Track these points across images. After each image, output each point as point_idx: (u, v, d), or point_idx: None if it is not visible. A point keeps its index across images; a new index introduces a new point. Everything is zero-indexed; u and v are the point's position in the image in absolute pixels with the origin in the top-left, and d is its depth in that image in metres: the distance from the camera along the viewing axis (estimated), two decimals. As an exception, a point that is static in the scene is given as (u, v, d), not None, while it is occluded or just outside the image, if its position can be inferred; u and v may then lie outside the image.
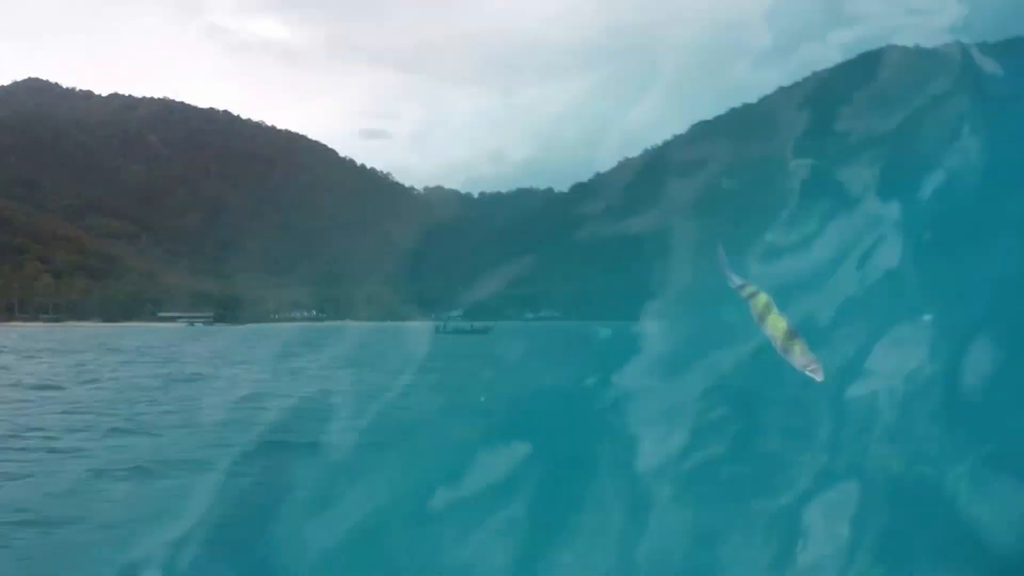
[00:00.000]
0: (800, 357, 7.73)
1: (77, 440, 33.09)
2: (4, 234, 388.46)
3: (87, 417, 40.06)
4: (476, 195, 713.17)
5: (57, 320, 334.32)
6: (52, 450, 30.91)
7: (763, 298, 8.34)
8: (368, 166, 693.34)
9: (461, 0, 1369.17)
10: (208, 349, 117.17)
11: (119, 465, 26.60)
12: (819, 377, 7.73)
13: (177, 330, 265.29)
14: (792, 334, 7.89)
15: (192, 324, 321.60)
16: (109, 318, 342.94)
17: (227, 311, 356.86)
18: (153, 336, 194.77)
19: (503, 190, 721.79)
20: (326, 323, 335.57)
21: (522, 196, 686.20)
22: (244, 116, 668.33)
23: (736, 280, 8.75)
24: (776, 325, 8.00)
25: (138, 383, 59.65)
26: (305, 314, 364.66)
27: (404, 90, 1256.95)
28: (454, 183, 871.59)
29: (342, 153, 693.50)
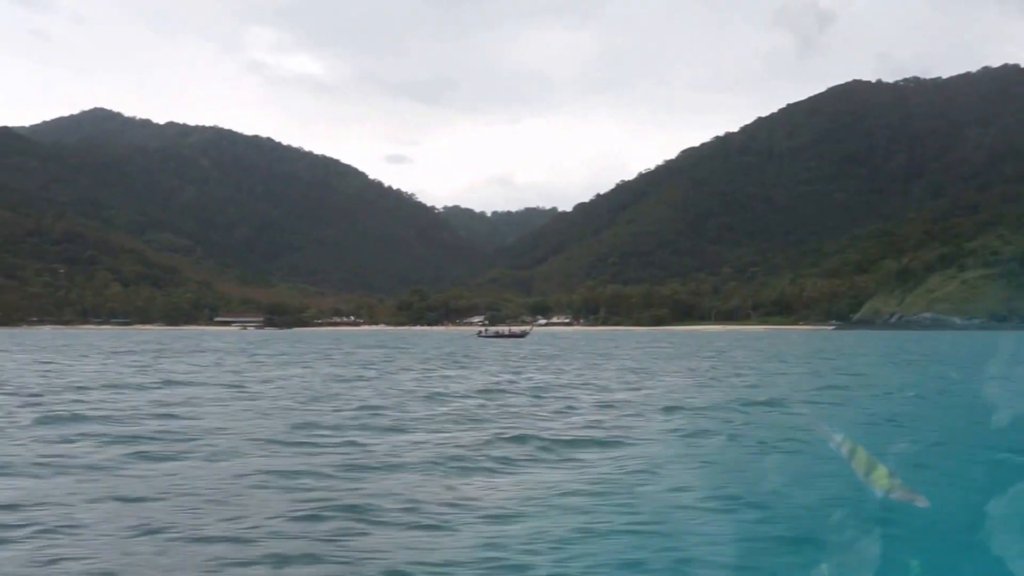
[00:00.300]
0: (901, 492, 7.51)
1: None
2: (77, 248, 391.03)
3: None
4: (489, 213, 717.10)
5: (126, 324, 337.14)
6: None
7: (863, 454, 7.95)
8: (394, 187, 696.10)
9: (474, 39, 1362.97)
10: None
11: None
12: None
13: (243, 333, 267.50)
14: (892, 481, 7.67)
15: (245, 328, 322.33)
16: (171, 322, 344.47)
17: (274, 316, 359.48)
18: (236, 337, 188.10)
19: (512, 209, 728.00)
20: (362, 327, 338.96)
21: (530, 215, 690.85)
22: (285, 143, 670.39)
23: (836, 438, 8.13)
24: (879, 478, 7.61)
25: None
26: (344, 319, 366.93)
27: (424, 120, 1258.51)
28: (469, 203, 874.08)
29: (371, 176, 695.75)
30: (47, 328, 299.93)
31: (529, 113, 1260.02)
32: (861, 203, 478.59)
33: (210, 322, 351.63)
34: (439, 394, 44.35)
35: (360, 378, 55.75)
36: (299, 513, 17.23)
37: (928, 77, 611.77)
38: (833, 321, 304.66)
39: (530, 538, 15.91)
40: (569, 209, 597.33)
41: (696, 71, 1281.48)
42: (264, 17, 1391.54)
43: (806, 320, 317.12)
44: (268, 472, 21.16)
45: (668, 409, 35.80)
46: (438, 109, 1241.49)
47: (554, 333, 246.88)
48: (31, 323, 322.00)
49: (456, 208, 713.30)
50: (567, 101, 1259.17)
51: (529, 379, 54.90)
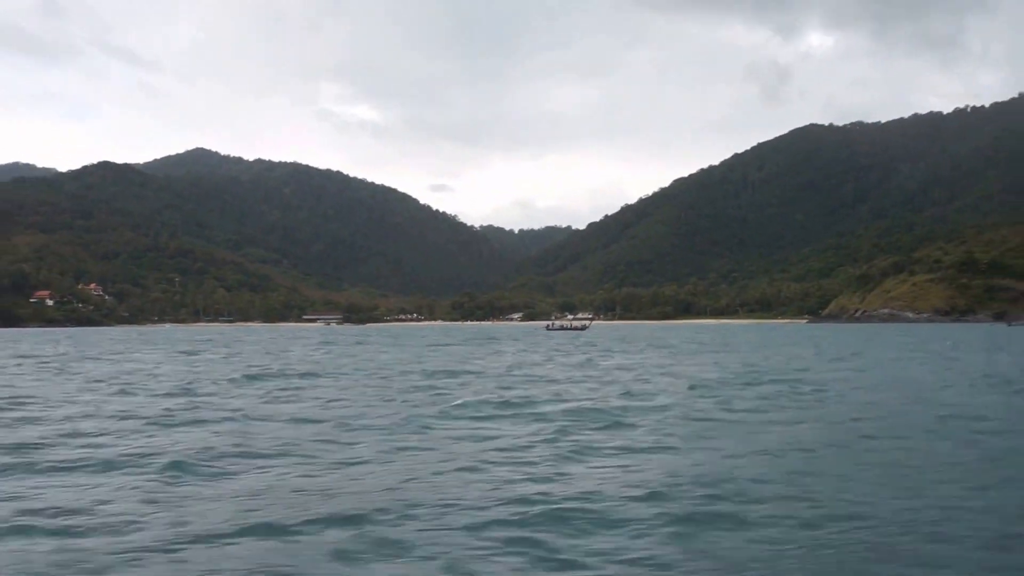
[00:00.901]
0: None
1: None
2: (188, 261, 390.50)
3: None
4: (516, 231, 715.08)
5: (231, 322, 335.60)
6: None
7: None
8: (440, 210, 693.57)
9: (503, 91, 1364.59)
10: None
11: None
12: None
13: (320, 328, 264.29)
14: None
15: (328, 324, 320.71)
16: (268, 320, 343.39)
17: (350, 314, 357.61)
18: (315, 331, 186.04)
19: (535, 227, 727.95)
20: (424, 323, 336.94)
21: (550, 232, 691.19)
22: (351, 175, 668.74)
23: None
24: None
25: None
26: (408, 316, 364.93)
27: (462, 155, 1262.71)
28: (500, 222, 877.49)
29: (421, 201, 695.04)
30: (167, 325, 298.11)
31: (547, 150, 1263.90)
32: (818, 222, 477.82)
33: (299, 319, 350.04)
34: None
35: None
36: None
37: (869, 121, 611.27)
38: (806, 316, 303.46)
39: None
40: (583, 227, 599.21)
41: (683, 116, 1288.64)
42: (331, 75, 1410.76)
43: (783, 315, 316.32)
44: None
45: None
46: (473, 148, 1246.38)
47: (610, 326, 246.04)
48: (153, 322, 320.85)
49: (490, 226, 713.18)
50: (578, 140, 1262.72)
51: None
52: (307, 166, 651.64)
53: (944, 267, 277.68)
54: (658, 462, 16.95)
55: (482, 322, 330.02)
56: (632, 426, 22.21)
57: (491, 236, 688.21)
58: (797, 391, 32.30)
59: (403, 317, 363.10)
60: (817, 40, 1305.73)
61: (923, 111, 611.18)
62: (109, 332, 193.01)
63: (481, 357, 62.41)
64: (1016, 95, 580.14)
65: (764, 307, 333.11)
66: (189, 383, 36.75)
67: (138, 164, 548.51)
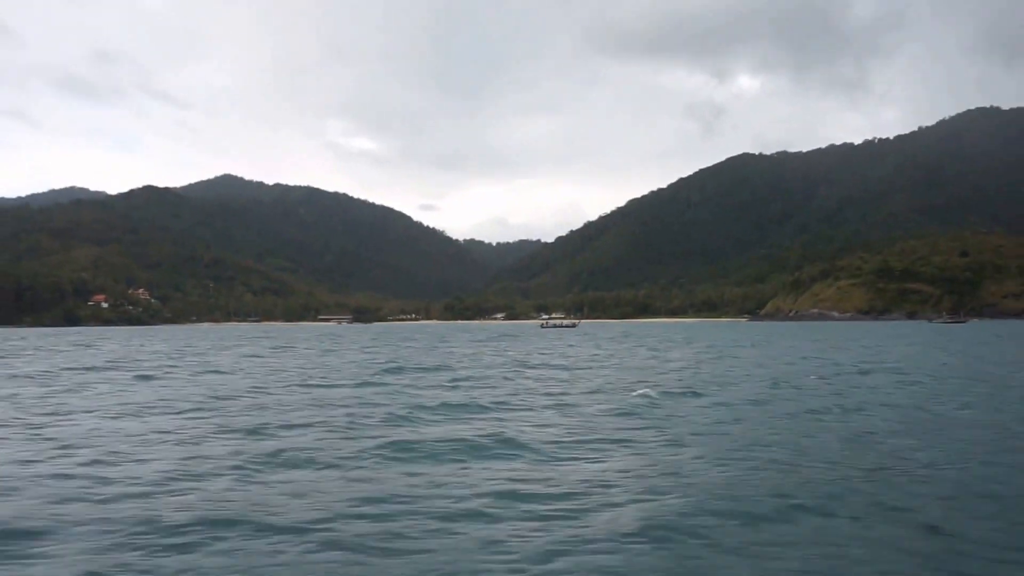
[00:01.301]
0: None
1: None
2: (220, 269, 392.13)
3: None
4: (494, 244, 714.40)
5: (257, 321, 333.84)
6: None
7: None
8: (429, 226, 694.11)
9: (480, 126, 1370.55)
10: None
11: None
12: None
13: (334, 326, 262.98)
14: None
15: (340, 323, 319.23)
16: (289, 319, 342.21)
17: (359, 315, 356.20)
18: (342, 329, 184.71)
19: (510, 240, 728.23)
20: (421, 322, 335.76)
21: (522, 245, 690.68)
22: (355, 196, 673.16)
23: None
24: None
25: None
26: (408, 316, 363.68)
27: (446, 180, 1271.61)
28: (480, 236, 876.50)
29: (414, 219, 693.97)
30: (205, 325, 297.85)
31: (518, 175, 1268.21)
32: (751, 236, 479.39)
33: (315, 319, 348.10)
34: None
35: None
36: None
37: (792, 151, 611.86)
38: (746, 315, 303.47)
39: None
40: (551, 240, 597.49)
41: (633, 146, 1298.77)
42: (337, 113, 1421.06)
43: (726, 314, 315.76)
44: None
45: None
46: (455, 173, 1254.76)
47: (594, 324, 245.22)
48: (191, 321, 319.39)
49: (471, 240, 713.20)
50: (544, 167, 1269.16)
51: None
52: (318, 189, 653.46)
53: (864, 273, 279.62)
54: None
55: (471, 321, 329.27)
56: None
57: (473, 248, 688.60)
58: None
59: (403, 317, 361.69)
60: (746, 83, 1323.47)
61: (837, 142, 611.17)
62: (172, 330, 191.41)
63: (609, 350, 61.11)
64: (916, 128, 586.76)
65: (710, 308, 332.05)
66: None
67: (176, 188, 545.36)
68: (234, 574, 8.40)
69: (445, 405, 22.74)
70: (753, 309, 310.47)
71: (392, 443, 15.91)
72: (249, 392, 27.77)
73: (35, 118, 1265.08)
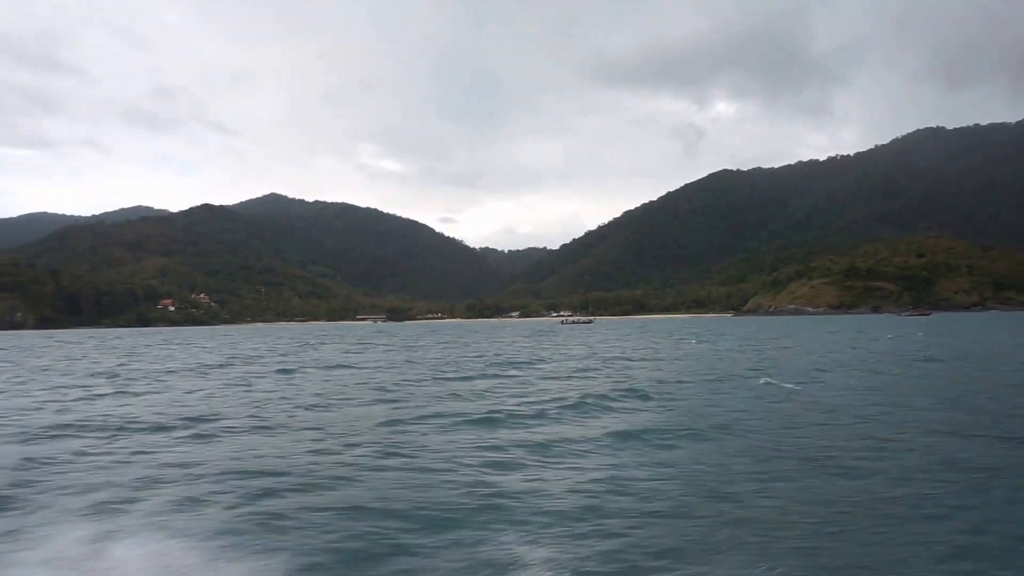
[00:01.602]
0: None
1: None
2: (270, 276, 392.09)
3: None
4: (506, 251, 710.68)
5: (303, 321, 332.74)
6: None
7: None
8: (449, 236, 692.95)
9: (493, 148, 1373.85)
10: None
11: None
12: None
13: (371, 325, 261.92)
14: None
15: (375, 322, 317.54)
16: (330, 319, 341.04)
17: (392, 314, 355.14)
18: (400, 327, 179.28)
19: (520, 248, 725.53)
20: (447, 320, 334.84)
21: (531, 252, 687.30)
22: (385, 211, 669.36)
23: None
24: None
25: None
26: (435, 315, 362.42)
27: (462, 196, 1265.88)
28: (494, 244, 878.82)
29: (436, 230, 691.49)
30: (259, 324, 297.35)
31: (525, 191, 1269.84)
32: (731, 242, 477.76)
33: (354, 319, 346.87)
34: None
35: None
36: None
37: (765, 167, 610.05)
38: (731, 311, 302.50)
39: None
40: (556, 247, 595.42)
41: (627, 164, 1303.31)
42: (367, 138, 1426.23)
43: (713, 311, 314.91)
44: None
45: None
46: (471, 190, 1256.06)
47: (609, 321, 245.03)
48: (247, 321, 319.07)
49: (486, 248, 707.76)
50: (548, 183, 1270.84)
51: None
52: (352, 205, 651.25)
53: (834, 273, 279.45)
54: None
55: (490, 319, 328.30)
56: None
57: (487, 255, 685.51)
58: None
59: (431, 316, 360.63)
60: (723, 108, 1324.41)
61: (804, 159, 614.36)
62: (236, 330, 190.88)
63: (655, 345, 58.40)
64: (873, 147, 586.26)
65: (699, 305, 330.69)
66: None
67: (229, 205, 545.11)
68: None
69: (632, 391, 21.85)
70: (737, 305, 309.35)
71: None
72: (421, 382, 27.16)
73: (105, 146, 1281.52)
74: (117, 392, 25.26)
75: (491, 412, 17.83)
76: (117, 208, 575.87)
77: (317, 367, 36.28)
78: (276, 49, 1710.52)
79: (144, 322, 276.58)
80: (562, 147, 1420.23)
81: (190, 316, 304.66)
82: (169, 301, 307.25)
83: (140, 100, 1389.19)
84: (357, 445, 13.96)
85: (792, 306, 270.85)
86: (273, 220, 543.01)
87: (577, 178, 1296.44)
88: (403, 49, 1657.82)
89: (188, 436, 15.44)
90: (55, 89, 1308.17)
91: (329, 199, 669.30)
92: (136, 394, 24.41)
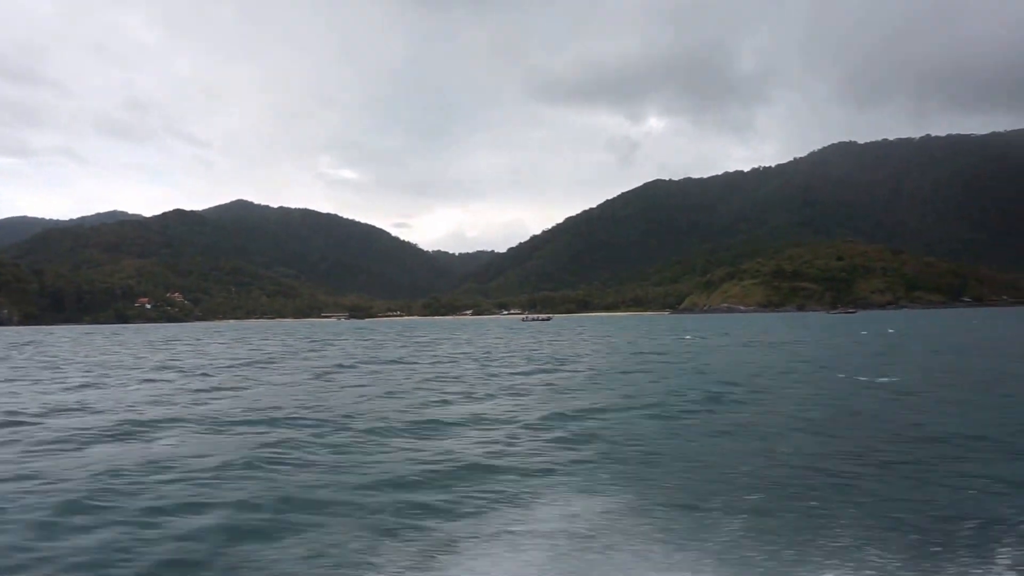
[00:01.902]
0: None
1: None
2: (239, 276, 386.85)
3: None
4: (456, 254, 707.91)
5: (272, 318, 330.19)
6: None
7: None
8: (404, 240, 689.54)
9: (444, 159, 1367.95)
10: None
11: None
12: None
13: (336, 322, 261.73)
14: None
15: (339, 319, 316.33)
16: (297, 316, 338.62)
17: (355, 312, 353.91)
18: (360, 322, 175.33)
19: (469, 251, 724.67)
20: (407, 318, 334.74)
21: (479, 255, 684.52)
22: (345, 216, 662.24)
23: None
24: None
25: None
26: (394, 313, 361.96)
27: (415, 203, 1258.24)
28: (445, 247, 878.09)
29: (393, 233, 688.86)
30: (231, 321, 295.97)
31: (473, 199, 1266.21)
32: (664, 245, 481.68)
33: (318, 316, 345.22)
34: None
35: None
36: None
37: (695, 177, 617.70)
38: (668, 309, 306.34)
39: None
40: (503, 251, 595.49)
41: (566, 175, 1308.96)
42: (327, 149, 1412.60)
43: (651, 309, 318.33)
44: None
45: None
46: (424, 198, 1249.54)
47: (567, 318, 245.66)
48: (219, 319, 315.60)
49: (438, 251, 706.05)
50: (494, 192, 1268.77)
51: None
52: (314, 211, 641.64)
53: (763, 274, 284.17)
54: None
55: (446, 316, 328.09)
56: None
57: (439, 257, 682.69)
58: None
59: (391, 314, 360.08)
60: (655, 123, 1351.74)
61: (730, 170, 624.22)
62: (216, 326, 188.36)
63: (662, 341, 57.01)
64: (792, 159, 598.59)
65: (638, 303, 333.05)
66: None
67: (199, 210, 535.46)
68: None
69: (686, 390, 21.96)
70: (673, 304, 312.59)
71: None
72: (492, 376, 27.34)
73: (82, 155, 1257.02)
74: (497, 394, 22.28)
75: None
76: (93, 213, 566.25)
77: (369, 369, 35.26)
78: (243, 66, 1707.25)
79: (123, 319, 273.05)
80: (507, 158, 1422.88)
81: (165, 314, 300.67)
82: (146, 300, 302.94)
83: (114, 112, 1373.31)
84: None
85: (725, 305, 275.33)
86: (240, 224, 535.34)
87: (521, 187, 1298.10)
88: (360, 67, 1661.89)
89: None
90: (34, 101, 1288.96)
91: (292, 205, 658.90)
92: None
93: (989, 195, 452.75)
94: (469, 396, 21.22)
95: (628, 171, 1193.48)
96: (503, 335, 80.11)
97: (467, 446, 13.51)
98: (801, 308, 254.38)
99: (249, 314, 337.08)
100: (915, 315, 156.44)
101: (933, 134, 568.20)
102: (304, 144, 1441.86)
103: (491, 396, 21.14)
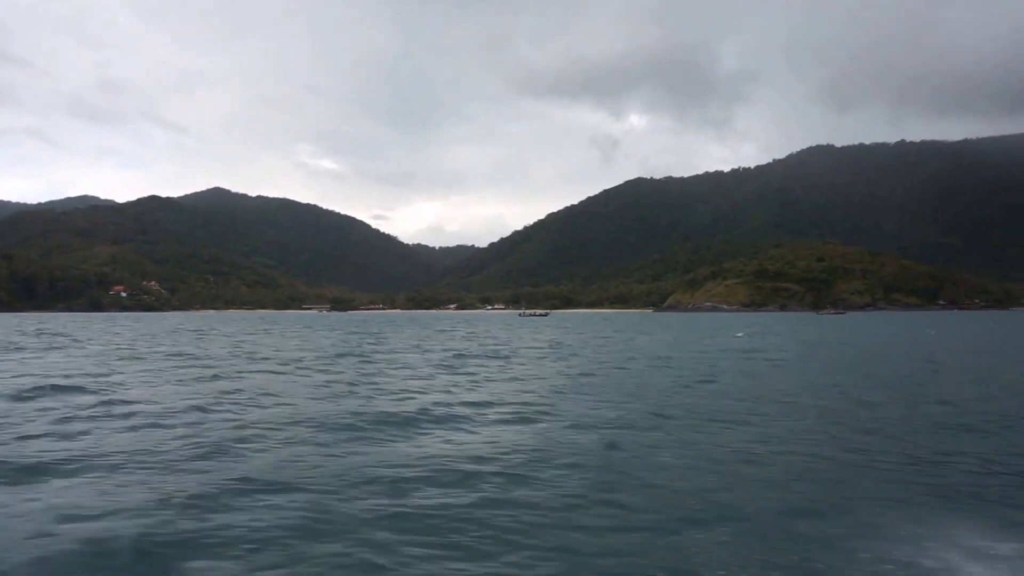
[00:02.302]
0: None
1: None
2: (218, 265, 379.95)
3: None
4: (437, 247, 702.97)
5: (252, 308, 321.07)
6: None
7: None
8: (385, 232, 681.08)
9: (425, 151, 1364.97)
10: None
11: None
12: None
13: (315, 314, 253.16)
14: None
15: (320, 312, 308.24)
16: (278, 308, 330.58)
17: (336, 305, 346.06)
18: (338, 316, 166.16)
19: (450, 245, 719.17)
20: (391, 311, 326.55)
21: (460, 249, 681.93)
22: (324, 207, 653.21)
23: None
24: None
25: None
26: (376, 306, 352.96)
27: (396, 195, 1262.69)
28: (426, 241, 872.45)
29: (373, 226, 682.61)
30: (210, 312, 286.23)
31: (453, 193, 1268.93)
32: (646, 243, 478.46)
33: (299, 308, 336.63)
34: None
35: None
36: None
37: (676, 176, 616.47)
38: (651, 307, 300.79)
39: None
40: (485, 246, 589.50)
41: (549, 170, 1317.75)
42: (305, 139, 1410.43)
43: (635, 306, 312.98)
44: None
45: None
46: (402, 190, 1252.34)
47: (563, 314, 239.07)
48: (196, 309, 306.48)
49: (418, 244, 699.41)
50: (475, 186, 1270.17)
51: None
52: (293, 200, 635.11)
53: (746, 274, 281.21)
54: None
55: (430, 310, 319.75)
56: None
57: (419, 251, 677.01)
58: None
59: (373, 307, 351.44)
60: (637, 120, 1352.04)
61: (711, 170, 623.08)
62: (188, 316, 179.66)
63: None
64: (771, 160, 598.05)
65: (621, 300, 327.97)
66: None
67: (175, 197, 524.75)
68: None
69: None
70: (657, 302, 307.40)
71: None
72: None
73: (52, 136, 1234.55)
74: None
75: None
76: (63, 197, 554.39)
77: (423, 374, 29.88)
78: (223, 53, 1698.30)
79: (97, 307, 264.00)
80: (489, 152, 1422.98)
81: (141, 302, 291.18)
82: (121, 287, 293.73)
83: (86, 93, 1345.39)
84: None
85: (709, 303, 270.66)
86: (218, 213, 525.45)
87: (503, 181, 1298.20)
88: (342, 56, 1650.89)
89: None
90: (1, 79, 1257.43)
91: (270, 194, 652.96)
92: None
93: (962, 200, 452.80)
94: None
95: (609, 168, 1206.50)
96: (539, 329, 77.64)
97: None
98: (783, 308, 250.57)
99: (228, 304, 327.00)
100: (897, 317, 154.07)
101: (908, 139, 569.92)
102: (283, 133, 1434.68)
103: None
